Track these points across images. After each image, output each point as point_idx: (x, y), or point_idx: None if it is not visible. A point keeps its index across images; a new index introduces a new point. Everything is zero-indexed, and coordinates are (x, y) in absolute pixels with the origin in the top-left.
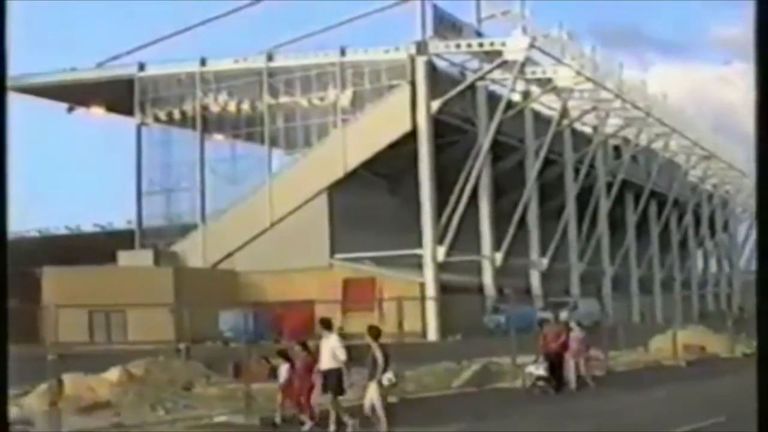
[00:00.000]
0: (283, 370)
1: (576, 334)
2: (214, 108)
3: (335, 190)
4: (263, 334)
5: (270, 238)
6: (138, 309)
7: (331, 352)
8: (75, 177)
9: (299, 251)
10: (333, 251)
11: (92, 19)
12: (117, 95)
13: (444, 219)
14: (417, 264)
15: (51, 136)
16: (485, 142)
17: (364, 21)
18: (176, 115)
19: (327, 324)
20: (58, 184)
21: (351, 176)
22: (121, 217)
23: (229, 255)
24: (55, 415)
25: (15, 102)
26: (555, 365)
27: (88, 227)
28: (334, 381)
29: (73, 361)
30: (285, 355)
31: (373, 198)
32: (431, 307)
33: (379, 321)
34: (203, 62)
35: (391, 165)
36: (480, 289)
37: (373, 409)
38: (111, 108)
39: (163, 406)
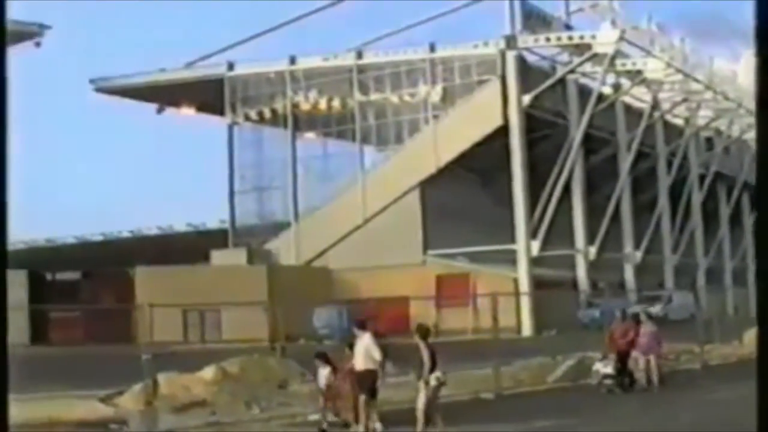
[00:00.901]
0: (323, 374)
1: (647, 328)
2: (305, 106)
3: (428, 186)
4: None
5: (363, 235)
6: (232, 307)
7: (365, 352)
8: (167, 177)
9: (392, 248)
10: (426, 247)
11: (180, 19)
12: (207, 95)
13: (537, 213)
14: (511, 259)
15: (142, 137)
16: (577, 135)
17: (452, 16)
18: (267, 113)
19: (361, 324)
20: (149, 185)
21: (443, 172)
22: (214, 217)
23: (322, 252)
24: (150, 413)
25: (107, 104)
26: (624, 363)
27: (180, 227)
28: (368, 383)
29: (167, 360)
30: (325, 358)
31: (465, 193)
32: (525, 303)
33: (474, 317)
34: (293, 60)
35: (483, 160)
36: (574, 283)
37: (429, 407)
38: (201, 108)
39: (258, 404)
